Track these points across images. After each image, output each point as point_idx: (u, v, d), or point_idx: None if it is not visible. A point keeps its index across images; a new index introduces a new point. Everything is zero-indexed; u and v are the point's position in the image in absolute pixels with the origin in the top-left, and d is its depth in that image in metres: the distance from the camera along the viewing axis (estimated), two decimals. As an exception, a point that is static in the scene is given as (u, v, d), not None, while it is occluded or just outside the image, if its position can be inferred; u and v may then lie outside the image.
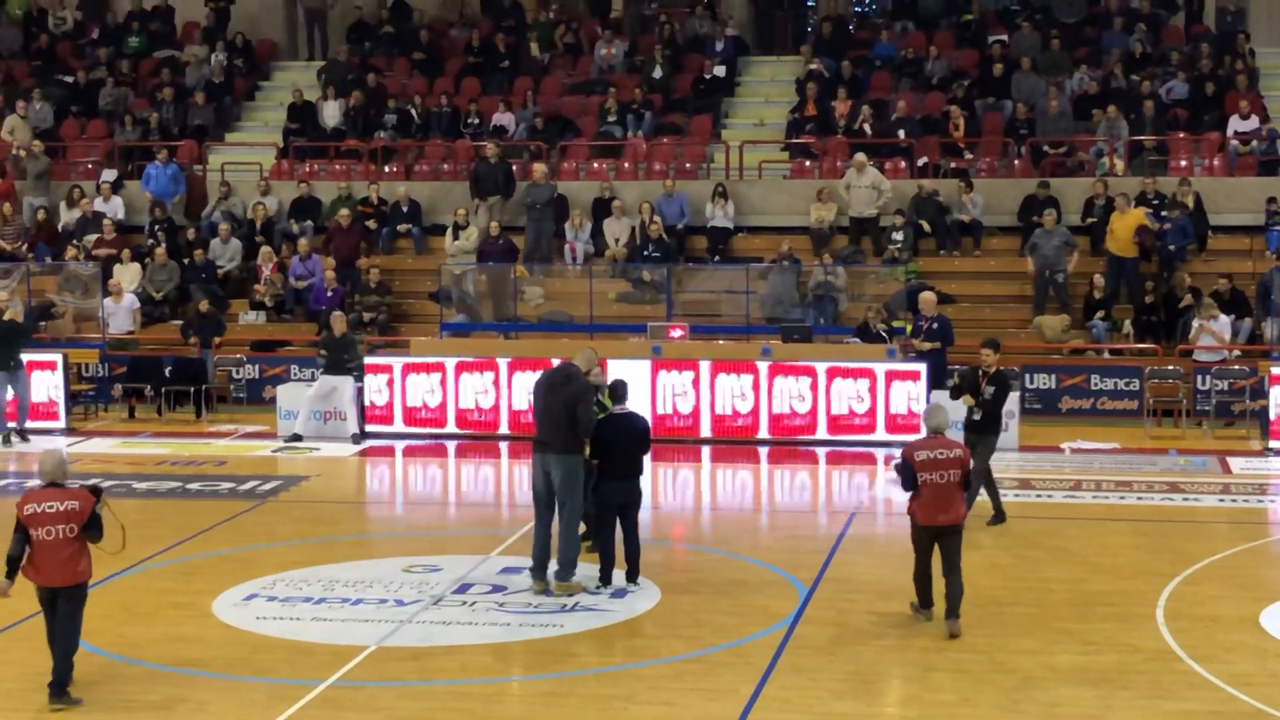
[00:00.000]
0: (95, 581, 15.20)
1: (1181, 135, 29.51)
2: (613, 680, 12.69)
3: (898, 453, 14.38)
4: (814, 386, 22.38)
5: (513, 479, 21.44)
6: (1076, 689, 12.35)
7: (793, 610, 14.45)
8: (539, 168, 29.10)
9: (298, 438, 23.06)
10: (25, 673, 12.88)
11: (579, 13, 35.21)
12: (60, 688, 12.21)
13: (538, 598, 14.75)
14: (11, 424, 23.14)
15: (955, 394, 17.46)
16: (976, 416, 17.11)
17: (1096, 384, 24.61)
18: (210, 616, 14.36)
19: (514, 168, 29.64)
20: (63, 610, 12.29)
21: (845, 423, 22.32)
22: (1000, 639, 13.58)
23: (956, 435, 15.33)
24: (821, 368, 22.36)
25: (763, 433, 22.44)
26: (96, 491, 12.46)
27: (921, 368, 22.18)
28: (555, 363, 16.15)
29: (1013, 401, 22.63)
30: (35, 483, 12.96)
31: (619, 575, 15.16)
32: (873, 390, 22.22)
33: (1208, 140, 29.30)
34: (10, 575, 12.27)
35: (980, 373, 17.32)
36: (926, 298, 23.08)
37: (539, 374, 15.41)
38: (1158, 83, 30.40)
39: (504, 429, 22.95)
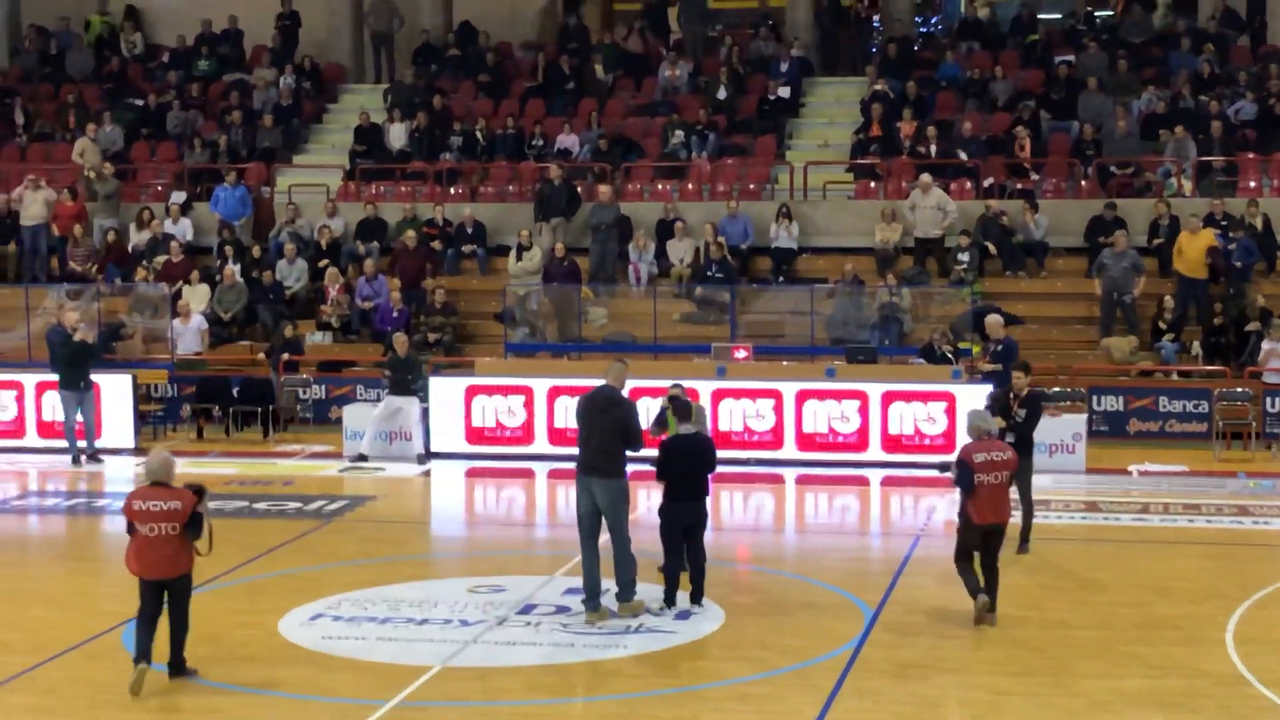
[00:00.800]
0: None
1: (1250, 155, 29.31)
2: (676, 702, 12.67)
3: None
4: (864, 409, 22.38)
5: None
6: (1144, 713, 12.25)
7: (858, 633, 14.40)
8: (604, 189, 29.19)
9: (363, 458, 23.18)
10: (94, 689, 12.99)
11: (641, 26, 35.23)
12: (178, 669, 13.07)
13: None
14: (81, 443, 23.35)
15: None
16: (1010, 439, 16.92)
17: (1165, 406, 24.42)
18: (276, 636, 14.43)
19: (578, 189, 29.74)
20: (172, 602, 12.96)
21: (908, 443, 22.32)
22: (1067, 663, 13.50)
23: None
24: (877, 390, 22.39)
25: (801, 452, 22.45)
26: (200, 491, 12.96)
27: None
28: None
29: (1080, 424, 22.61)
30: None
31: (682, 596, 15.14)
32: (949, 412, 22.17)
33: (1276, 160, 29.10)
34: None
35: (1011, 395, 17.19)
36: (993, 320, 22.98)
37: (578, 398, 15.35)
38: (1226, 103, 30.21)
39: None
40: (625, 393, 15.05)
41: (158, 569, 12.79)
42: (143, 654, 12.82)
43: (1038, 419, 17.39)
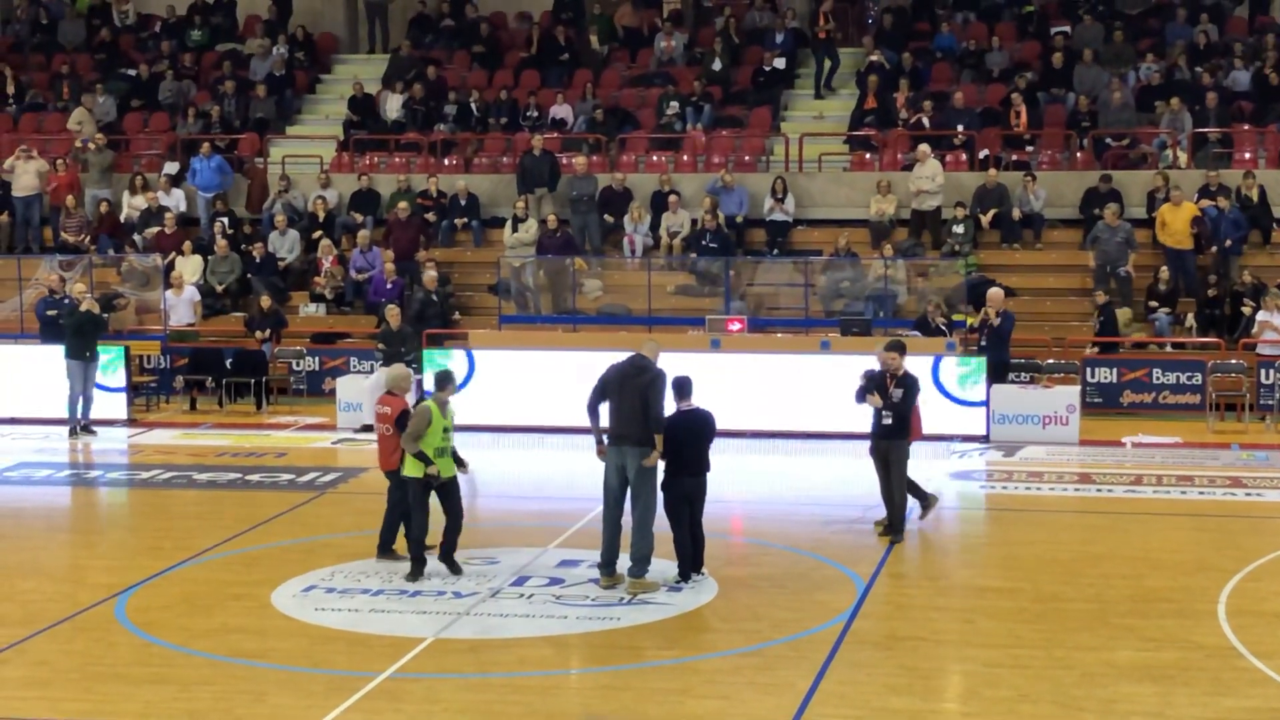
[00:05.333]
0: (155, 573, 15.43)
1: (1245, 127, 29.24)
2: (669, 674, 12.67)
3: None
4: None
5: (572, 470, 21.49)
6: (1136, 685, 12.25)
7: (851, 605, 14.40)
8: (579, 160, 29.13)
9: (369, 428, 23.16)
10: (86, 661, 12.98)
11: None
12: (383, 547, 15.68)
13: (595, 590, 14.75)
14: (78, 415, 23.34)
15: (861, 396, 17.15)
16: (887, 420, 16.77)
17: (1158, 378, 24.43)
18: (269, 608, 14.43)
19: (563, 161, 29.61)
20: (389, 489, 15.47)
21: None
22: (1059, 634, 13.50)
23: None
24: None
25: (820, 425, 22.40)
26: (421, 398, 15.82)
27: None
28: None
29: (1073, 395, 22.60)
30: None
31: (673, 566, 15.12)
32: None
33: (1272, 132, 29.03)
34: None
35: (888, 376, 17.01)
36: (995, 293, 23.09)
37: (607, 367, 15.26)
38: (1222, 74, 30.13)
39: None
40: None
41: (381, 462, 15.55)
42: (403, 542, 15.44)
43: (914, 399, 17.11)
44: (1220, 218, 26.51)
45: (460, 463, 15.26)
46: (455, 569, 15.24)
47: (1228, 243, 26.34)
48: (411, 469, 15.00)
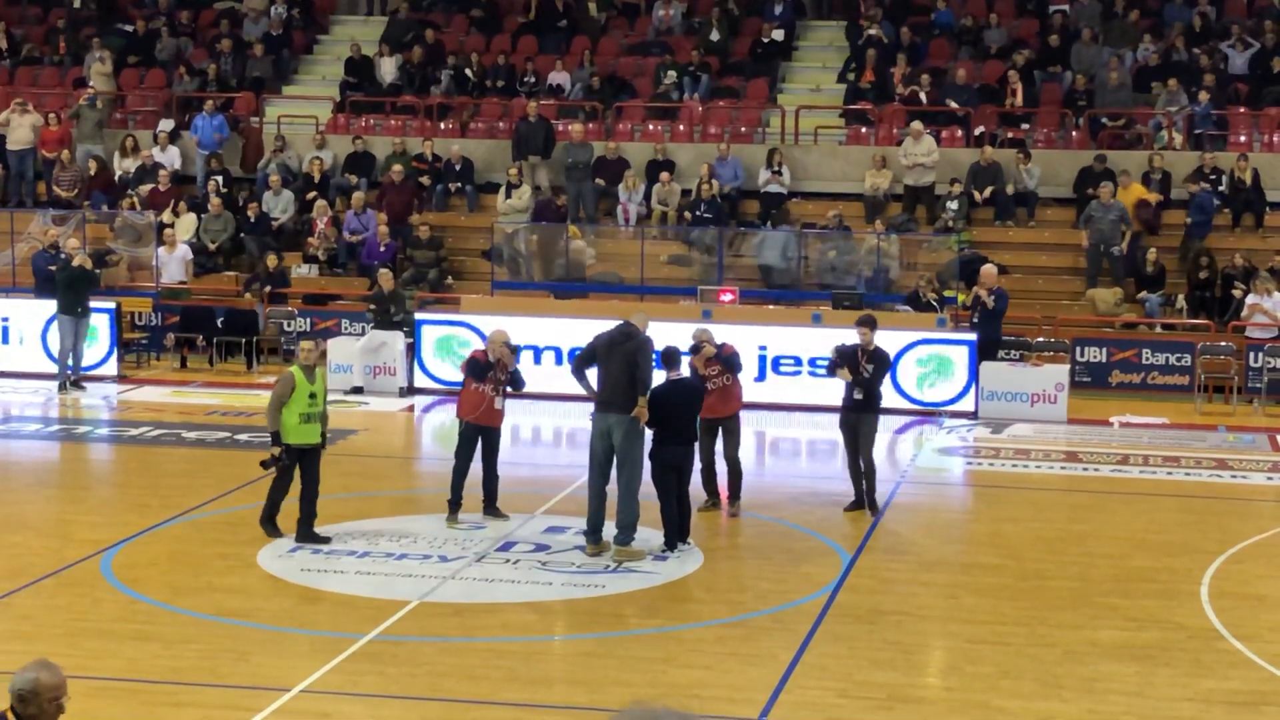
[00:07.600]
0: (142, 530, 15.43)
1: (1241, 110, 29.24)
2: (653, 642, 12.72)
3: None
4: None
5: (559, 437, 21.52)
6: (1117, 665, 12.31)
7: (835, 578, 14.45)
8: (576, 128, 29.09)
9: (359, 390, 23.18)
10: (71, 616, 13.01)
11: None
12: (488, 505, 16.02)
13: (580, 557, 14.79)
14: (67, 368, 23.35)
15: (832, 370, 17.17)
16: (858, 395, 16.78)
17: (1148, 358, 24.46)
18: (255, 567, 14.46)
19: (559, 128, 29.54)
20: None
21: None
22: (1042, 613, 13.55)
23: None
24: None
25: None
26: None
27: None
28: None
29: (1062, 374, 22.65)
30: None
31: (659, 535, 15.16)
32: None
33: (1267, 115, 29.03)
34: None
35: (860, 351, 17.00)
36: (989, 269, 23.13)
37: (597, 334, 15.27)
38: (1219, 56, 30.12)
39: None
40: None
41: (459, 411, 16.00)
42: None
43: (884, 375, 17.18)
44: (1199, 198, 26.56)
45: (323, 437, 15.20)
46: (317, 540, 15.04)
47: (1171, 211, 26.33)
48: (294, 436, 15.00)
